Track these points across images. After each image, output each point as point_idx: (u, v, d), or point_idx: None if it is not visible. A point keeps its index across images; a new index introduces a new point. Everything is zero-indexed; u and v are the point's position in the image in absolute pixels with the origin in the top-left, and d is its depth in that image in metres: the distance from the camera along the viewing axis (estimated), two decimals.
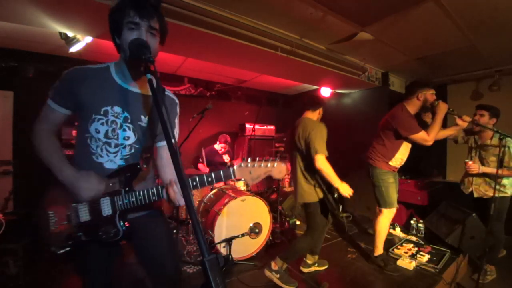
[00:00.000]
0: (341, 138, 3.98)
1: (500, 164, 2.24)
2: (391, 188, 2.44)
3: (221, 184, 3.22)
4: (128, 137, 1.08)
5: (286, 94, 5.70)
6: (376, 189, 2.51)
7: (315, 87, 4.66)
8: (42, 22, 2.11)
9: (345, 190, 2.05)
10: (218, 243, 2.48)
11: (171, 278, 1.21)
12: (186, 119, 2.73)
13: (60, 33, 2.50)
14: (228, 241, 2.45)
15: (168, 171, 1.19)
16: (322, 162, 2.03)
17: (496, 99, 3.42)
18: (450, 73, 3.98)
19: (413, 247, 2.85)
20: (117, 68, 1.08)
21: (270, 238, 2.94)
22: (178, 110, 1.24)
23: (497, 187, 2.16)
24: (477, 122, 2.43)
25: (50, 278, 2.29)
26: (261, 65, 3.32)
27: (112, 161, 1.07)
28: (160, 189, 1.02)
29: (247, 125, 4.77)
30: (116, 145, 1.07)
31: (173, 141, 0.71)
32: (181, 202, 0.97)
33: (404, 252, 2.72)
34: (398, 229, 3.44)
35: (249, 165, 1.00)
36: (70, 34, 2.52)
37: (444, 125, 2.40)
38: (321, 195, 2.20)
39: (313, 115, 2.32)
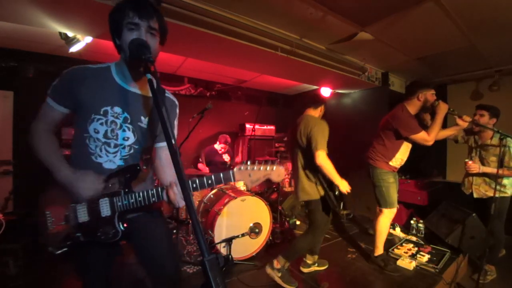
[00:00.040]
0: (341, 138, 3.97)
1: (501, 164, 2.24)
2: (392, 188, 2.45)
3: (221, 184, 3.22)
4: (128, 138, 1.08)
5: (286, 94, 5.69)
6: (376, 189, 2.51)
7: (315, 87, 4.66)
8: (42, 22, 2.11)
9: (344, 186, 2.07)
10: (218, 243, 2.48)
11: (171, 278, 1.21)
12: (186, 119, 2.73)
13: (60, 33, 2.49)
14: (228, 241, 2.45)
15: (168, 172, 1.19)
16: (322, 158, 2.04)
17: (496, 99, 3.42)
18: (450, 73, 3.98)
19: (413, 247, 2.85)
20: (117, 68, 1.08)
21: (270, 238, 2.94)
22: (177, 111, 1.24)
23: (498, 187, 2.16)
24: (477, 122, 2.43)
25: (50, 278, 2.29)
26: (261, 65, 3.32)
27: (111, 161, 1.06)
28: (160, 190, 1.02)
29: (247, 125, 4.77)
30: (116, 146, 1.06)
31: (173, 141, 0.71)
32: (181, 203, 0.96)
33: (404, 252, 2.72)
34: (398, 229, 3.44)
35: (248, 168, 1.00)
36: (70, 34, 2.52)
37: (444, 125, 2.40)
38: (322, 192, 2.20)
39: (315, 113, 2.33)
